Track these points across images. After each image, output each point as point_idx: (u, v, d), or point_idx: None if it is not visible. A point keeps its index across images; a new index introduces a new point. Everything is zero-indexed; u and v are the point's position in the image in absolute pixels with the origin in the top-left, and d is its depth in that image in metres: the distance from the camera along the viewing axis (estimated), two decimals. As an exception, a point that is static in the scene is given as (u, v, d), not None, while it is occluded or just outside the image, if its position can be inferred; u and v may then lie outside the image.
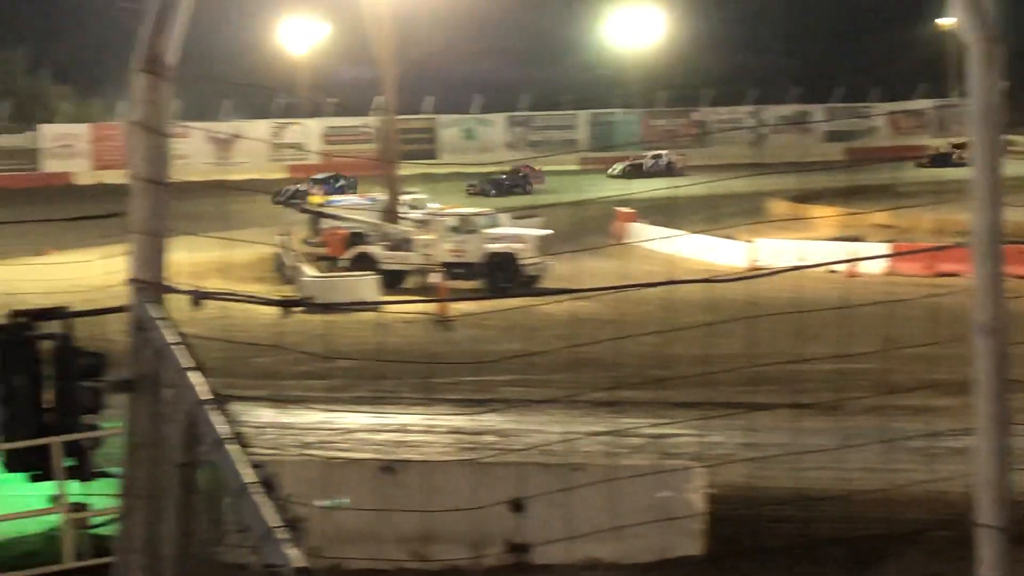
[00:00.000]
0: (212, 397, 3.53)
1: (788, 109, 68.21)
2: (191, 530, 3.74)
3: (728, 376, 17.48)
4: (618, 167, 59.25)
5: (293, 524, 2.51)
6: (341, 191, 47.10)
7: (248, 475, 2.79)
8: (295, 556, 2.40)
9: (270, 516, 2.55)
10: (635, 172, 57.89)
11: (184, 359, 3.94)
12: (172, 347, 4.11)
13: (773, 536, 12.26)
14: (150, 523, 4.86)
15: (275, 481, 2.73)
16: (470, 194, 50.70)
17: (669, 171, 58.50)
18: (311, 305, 22.28)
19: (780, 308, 16.29)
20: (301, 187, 49.90)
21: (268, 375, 19.14)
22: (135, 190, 4.96)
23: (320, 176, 51.67)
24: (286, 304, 18.80)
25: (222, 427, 3.20)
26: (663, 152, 60.98)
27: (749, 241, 32.96)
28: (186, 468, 3.74)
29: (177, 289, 4.96)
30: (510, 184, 53.92)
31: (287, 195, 47.23)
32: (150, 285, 4.97)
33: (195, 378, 3.74)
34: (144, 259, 5.02)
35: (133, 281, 5.06)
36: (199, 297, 5.09)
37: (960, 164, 36.83)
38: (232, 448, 3.00)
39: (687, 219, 35.30)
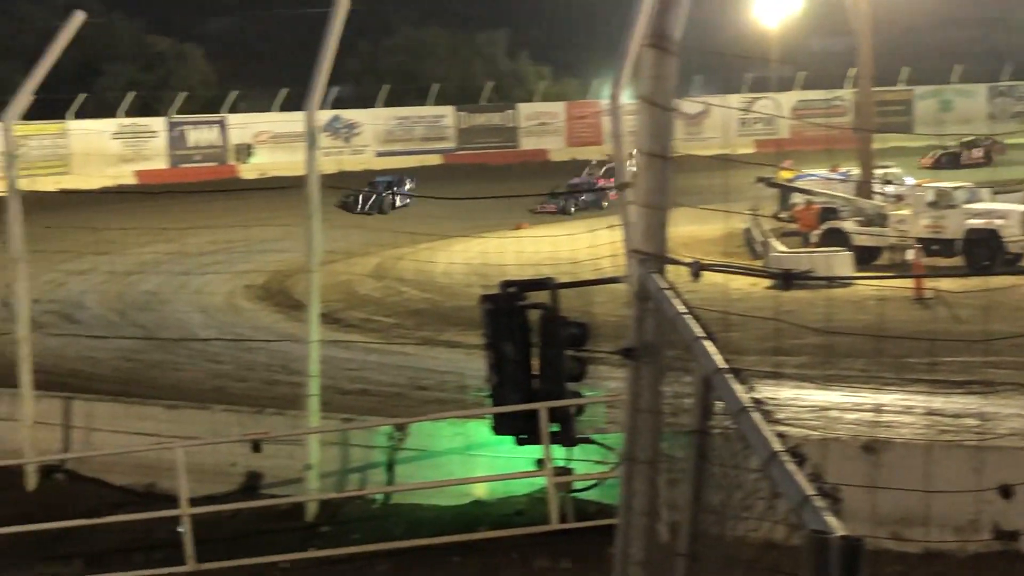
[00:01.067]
0: (727, 367, 3.58)
1: None
2: (703, 500, 3.81)
3: None
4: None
5: (828, 494, 2.51)
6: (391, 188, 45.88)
7: (775, 443, 2.81)
8: (836, 524, 2.40)
9: (804, 484, 2.56)
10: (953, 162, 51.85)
11: (695, 328, 4.01)
12: (681, 317, 4.19)
13: None
14: (650, 488, 5.00)
15: (802, 451, 2.74)
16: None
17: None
18: (801, 278, 22.09)
19: None
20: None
21: (737, 351, 19.18)
22: (640, 163, 5.08)
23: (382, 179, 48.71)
24: (787, 277, 18.70)
25: (742, 396, 3.25)
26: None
27: None
28: (701, 436, 3.81)
29: (678, 260, 5.06)
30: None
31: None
32: (652, 256, 5.09)
33: (709, 347, 3.80)
34: (646, 231, 5.14)
35: (634, 252, 5.19)
36: (699, 269, 5.16)
37: None
38: (755, 416, 3.04)
39: None
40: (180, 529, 11.41)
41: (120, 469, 13.98)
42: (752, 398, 3.18)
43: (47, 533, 12.25)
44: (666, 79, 5.10)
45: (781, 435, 2.86)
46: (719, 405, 3.57)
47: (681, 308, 4.24)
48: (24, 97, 14.03)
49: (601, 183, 43.79)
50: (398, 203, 45.94)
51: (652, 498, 4.90)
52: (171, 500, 12.36)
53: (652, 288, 4.81)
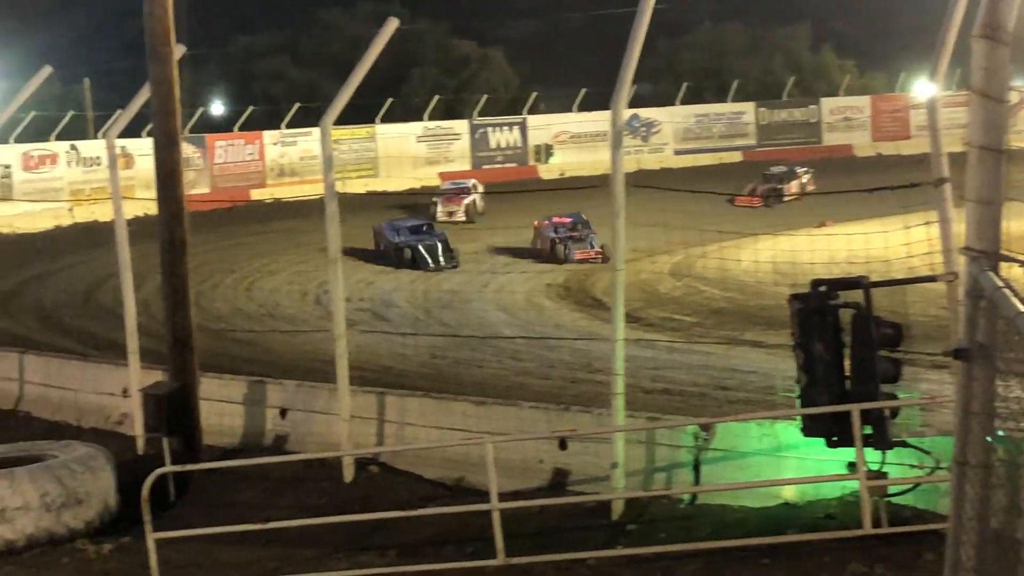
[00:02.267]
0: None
1: None
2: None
3: None
4: None
5: None
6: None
7: None
8: None
9: None
10: None
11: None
12: (1022, 316, 4.00)
13: None
14: (982, 493, 4.80)
15: None
16: None
17: None
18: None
19: None
20: None
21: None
22: (971, 158, 4.89)
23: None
24: None
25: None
26: None
27: None
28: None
29: (1014, 258, 4.84)
30: None
31: None
32: (984, 253, 4.89)
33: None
34: (978, 227, 4.94)
35: (966, 250, 5.00)
36: (1034, 265, 4.92)
37: None
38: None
39: None
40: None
41: (431, 463, 14.35)
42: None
43: (363, 524, 12.67)
44: (999, 71, 4.90)
45: None
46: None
47: (1020, 306, 4.05)
48: (341, 102, 14.56)
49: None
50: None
51: (984, 503, 4.70)
52: (480, 494, 12.60)
53: (987, 287, 4.61)
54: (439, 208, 45.00)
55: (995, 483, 4.61)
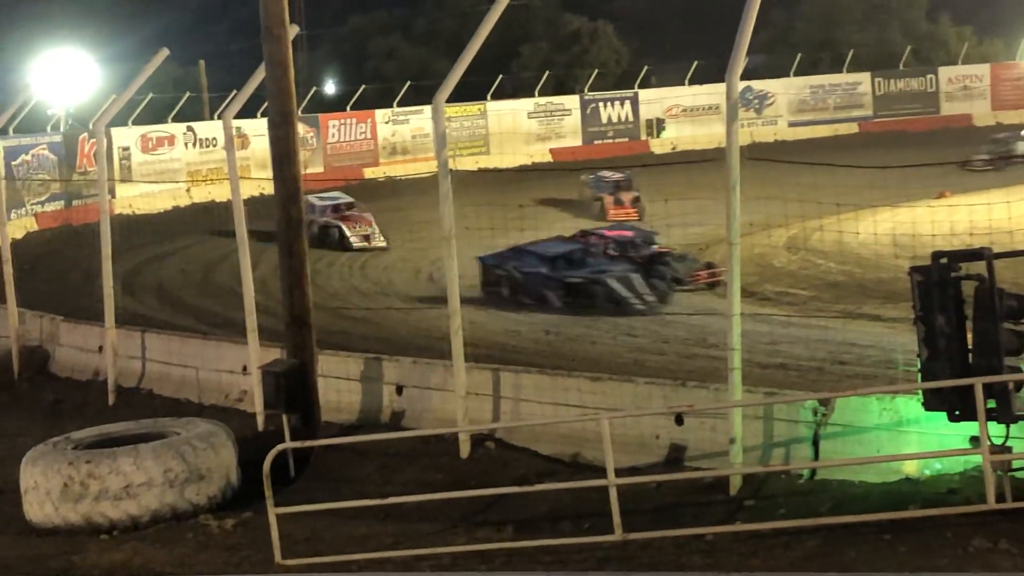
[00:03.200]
0: None
1: None
2: None
3: None
4: None
5: None
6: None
7: None
8: None
9: None
10: None
11: None
12: None
13: None
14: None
15: None
16: None
17: None
18: None
19: None
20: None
21: None
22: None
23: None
24: None
25: None
26: None
27: None
28: None
29: None
30: None
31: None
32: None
33: None
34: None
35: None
36: None
37: None
38: None
39: None
40: None
41: (547, 439, 14.36)
42: None
43: (480, 500, 12.73)
44: None
45: None
46: None
47: None
48: (453, 79, 14.58)
49: None
50: None
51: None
52: (596, 470, 12.60)
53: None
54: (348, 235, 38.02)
55: None
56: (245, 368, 17.63)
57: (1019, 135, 47.81)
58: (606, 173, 40.90)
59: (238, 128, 35.65)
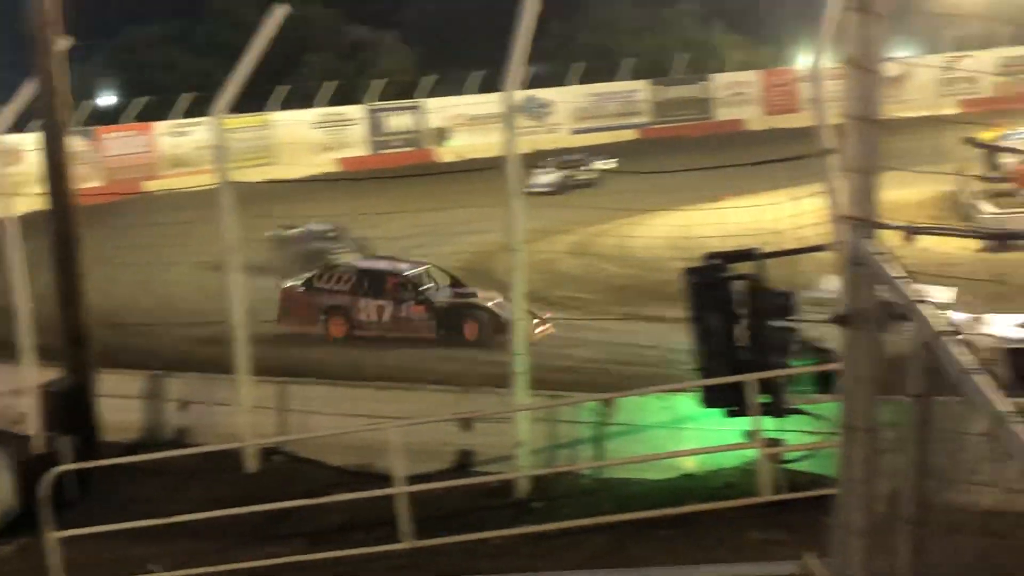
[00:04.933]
0: (949, 329, 3.51)
1: None
2: (927, 465, 3.74)
3: None
4: None
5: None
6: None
7: (1003, 405, 2.74)
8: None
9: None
10: None
11: (912, 292, 3.94)
12: (898, 280, 4.12)
13: None
14: (869, 456, 4.93)
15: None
16: None
17: None
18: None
19: None
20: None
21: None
22: (848, 128, 5.00)
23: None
24: (1004, 237, 18.19)
25: (964, 358, 3.17)
26: None
27: None
28: (922, 401, 3.74)
29: (891, 224, 4.96)
30: None
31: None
32: (863, 221, 5.00)
33: (927, 310, 3.73)
34: (856, 196, 5.06)
35: (845, 218, 5.11)
36: (913, 232, 5.06)
37: None
38: (979, 379, 2.97)
39: None
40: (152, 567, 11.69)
41: (337, 450, 14.33)
42: (975, 361, 3.11)
43: (270, 514, 12.63)
44: (873, 42, 5.02)
45: (1009, 395, 2.78)
46: (943, 368, 3.50)
47: (898, 272, 4.16)
48: (231, 91, 14.45)
49: None
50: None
51: (871, 466, 4.83)
52: (386, 479, 12.63)
53: (865, 253, 4.73)
54: None
55: (881, 447, 4.73)
56: (21, 389, 17.10)
57: (585, 159, 47.13)
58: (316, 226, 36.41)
59: (10, 143, 34.33)
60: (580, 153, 48.46)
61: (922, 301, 3.81)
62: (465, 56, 64.68)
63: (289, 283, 24.16)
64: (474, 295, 23.77)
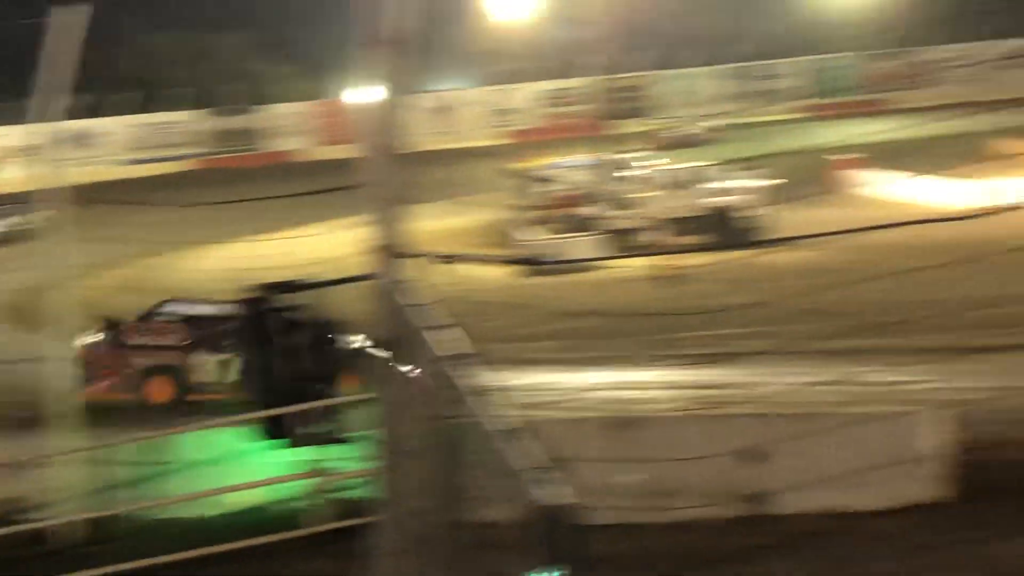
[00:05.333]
0: (459, 354, 3.66)
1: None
2: (446, 484, 3.88)
3: (959, 321, 17.27)
4: None
5: (550, 468, 2.61)
6: None
7: (503, 423, 2.90)
8: (563, 493, 2.51)
9: (531, 459, 2.66)
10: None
11: (431, 319, 4.09)
12: (418, 308, 4.27)
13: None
14: (405, 480, 5.06)
15: (522, 432, 2.83)
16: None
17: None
18: (548, 263, 22.46)
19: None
20: None
21: (500, 339, 19.32)
22: (373, 161, 5.14)
23: None
24: (526, 263, 19.02)
25: (470, 381, 3.32)
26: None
27: (977, 181, 31.29)
28: (435, 423, 3.88)
29: (418, 253, 5.13)
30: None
31: None
32: (393, 251, 5.15)
33: (442, 336, 3.88)
34: (386, 226, 5.21)
35: (376, 248, 5.25)
36: (440, 260, 5.26)
37: None
38: (482, 400, 3.12)
39: (911, 163, 33.98)
40: None
41: None
42: (481, 382, 3.27)
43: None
44: (399, 74, 5.17)
45: (517, 417, 2.95)
46: (453, 391, 3.65)
47: (415, 299, 4.31)
48: None
49: None
50: None
51: (403, 489, 4.95)
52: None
53: (391, 282, 4.87)
54: None
55: (409, 469, 4.87)
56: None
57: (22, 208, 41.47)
58: None
59: None
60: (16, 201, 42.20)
61: (431, 327, 3.96)
62: (18, 85, 61.68)
63: None
64: None
